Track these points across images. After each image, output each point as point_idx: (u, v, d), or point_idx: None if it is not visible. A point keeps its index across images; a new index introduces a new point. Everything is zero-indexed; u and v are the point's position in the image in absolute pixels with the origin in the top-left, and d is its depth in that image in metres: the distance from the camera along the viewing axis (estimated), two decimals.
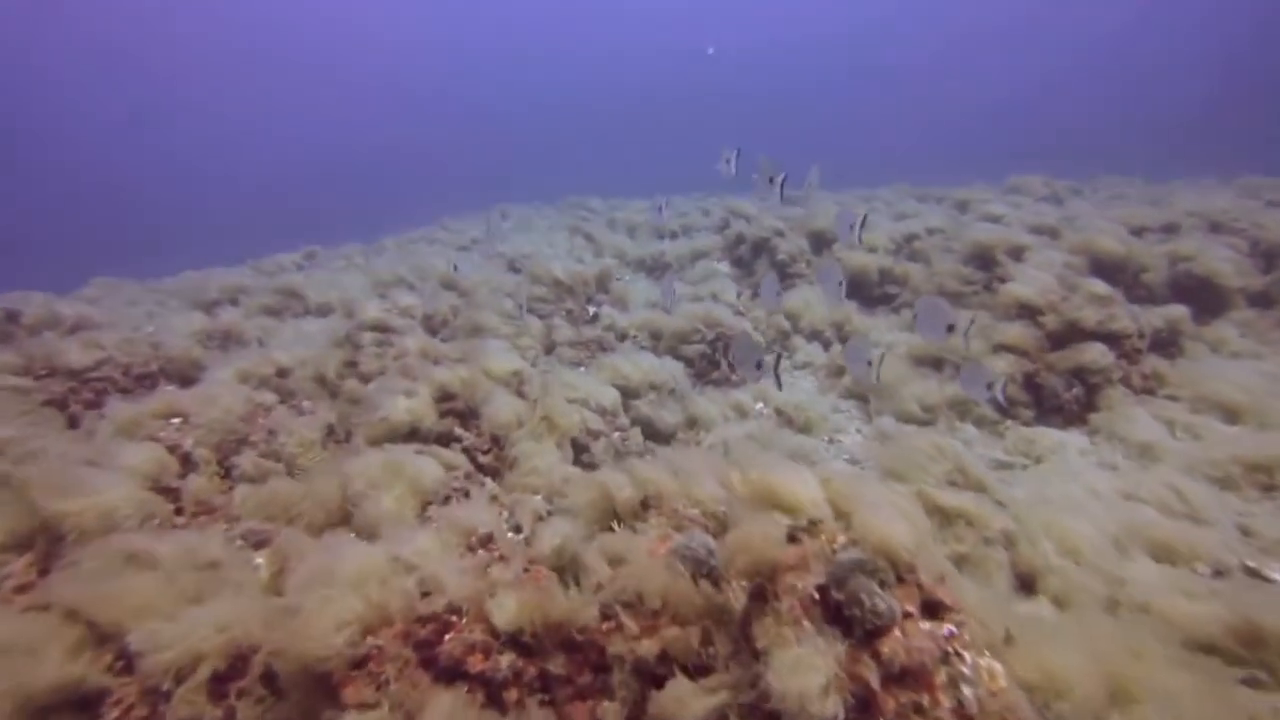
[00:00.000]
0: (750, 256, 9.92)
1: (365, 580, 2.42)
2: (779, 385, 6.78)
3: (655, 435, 6.24)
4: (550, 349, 7.24)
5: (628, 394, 6.28)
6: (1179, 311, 6.82)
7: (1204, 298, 7.64)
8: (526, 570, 2.77)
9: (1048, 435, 5.33)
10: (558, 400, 4.76)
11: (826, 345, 8.39)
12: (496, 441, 4.47)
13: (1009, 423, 6.00)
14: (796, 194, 16.19)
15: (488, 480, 4.09)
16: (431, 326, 7.17)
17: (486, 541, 2.86)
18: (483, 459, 4.38)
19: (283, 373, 5.64)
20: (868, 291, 9.11)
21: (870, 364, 5.21)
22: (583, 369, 7.03)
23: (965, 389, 4.86)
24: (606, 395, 5.87)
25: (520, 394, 4.89)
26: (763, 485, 2.64)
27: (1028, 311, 6.43)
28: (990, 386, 5.18)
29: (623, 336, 7.52)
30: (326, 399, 5.56)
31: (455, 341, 7.00)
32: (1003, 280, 8.16)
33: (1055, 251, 7.93)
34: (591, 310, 7.73)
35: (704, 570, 2.57)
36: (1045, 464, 5.02)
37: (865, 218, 5.77)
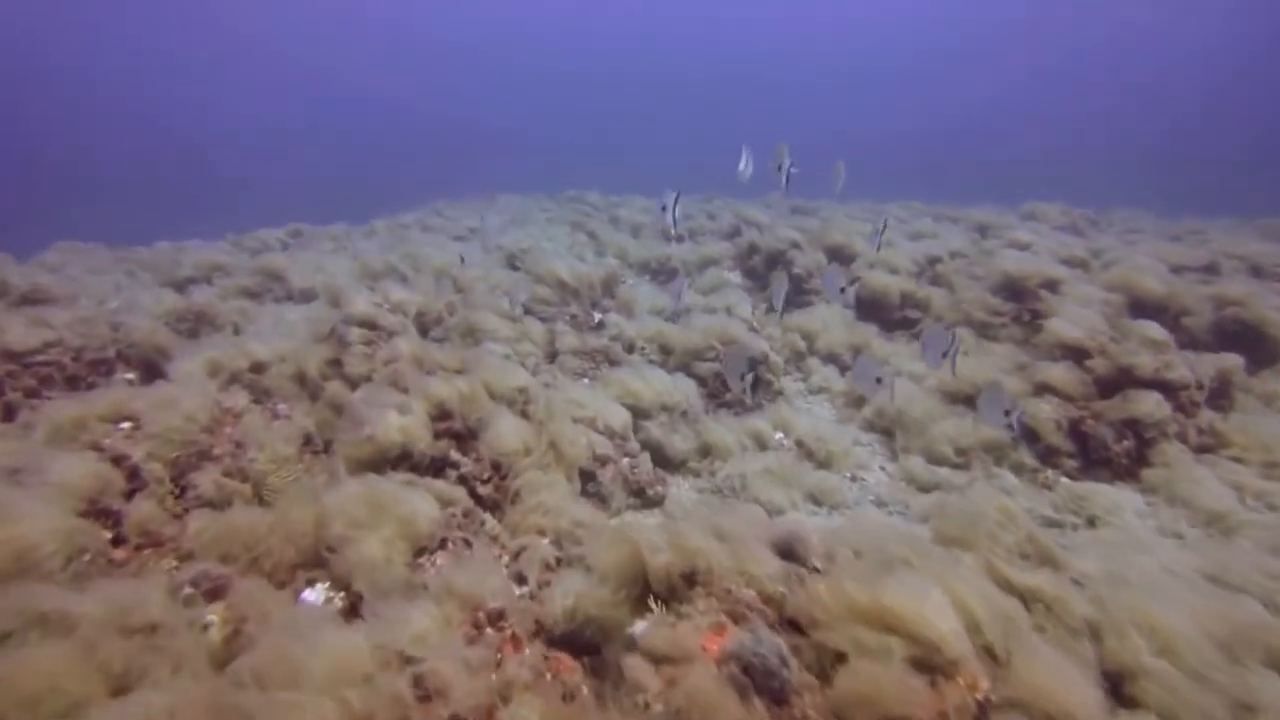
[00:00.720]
0: (764, 268, 9.41)
1: (344, 679, 1.87)
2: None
3: (665, 462, 5.72)
4: (553, 356, 6.68)
5: (637, 414, 5.76)
6: (1233, 361, 6.40)
7: (1251, 346, 7.22)
8: (546, 659, 2.24)
9: (1101, 493, 4.87)
10: (565, 425, 4.22)
11: (844, 370, 7.90)
12: (497, 469, 3.92)
13: (1049, 471, 5.55)
14: (812, 204, 15.74)
15: (488, 517, 3.54)
16: (424, 324, 6.60)
17: (497, 619, 2.31)
18: (481, 489, 3.83)
19: (258, 368, 5.05)
20: (888, 315, 8.63)
21: (879, 381, 4.80)
22: (587, 380, 6.50)
23: (983, 415, 4.45)
24: (617, 416, 5.35)
25: (525, 414, 4.33)
26: (875, 606, 2.09)
27: (1073, 353, 5.97)
28: (1008, 413, 4.77)
29: (630, 348, 6.98)
30: (306, 401, 4.98)
31: (451, 346, 6.45)
32: (1035, 314, 7.73)
33: (1092, 287, 7.49)
34: (597, 316, 7.18)
35: (774, 684, 2.05)
36: (1106, 528, 4.56)
37: (886, 223, 5.31)
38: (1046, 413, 5.57)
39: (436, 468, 3.83)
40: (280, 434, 4.09)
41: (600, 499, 4.98)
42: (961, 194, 18.47)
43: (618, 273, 7.87)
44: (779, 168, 4.87)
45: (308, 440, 4.50)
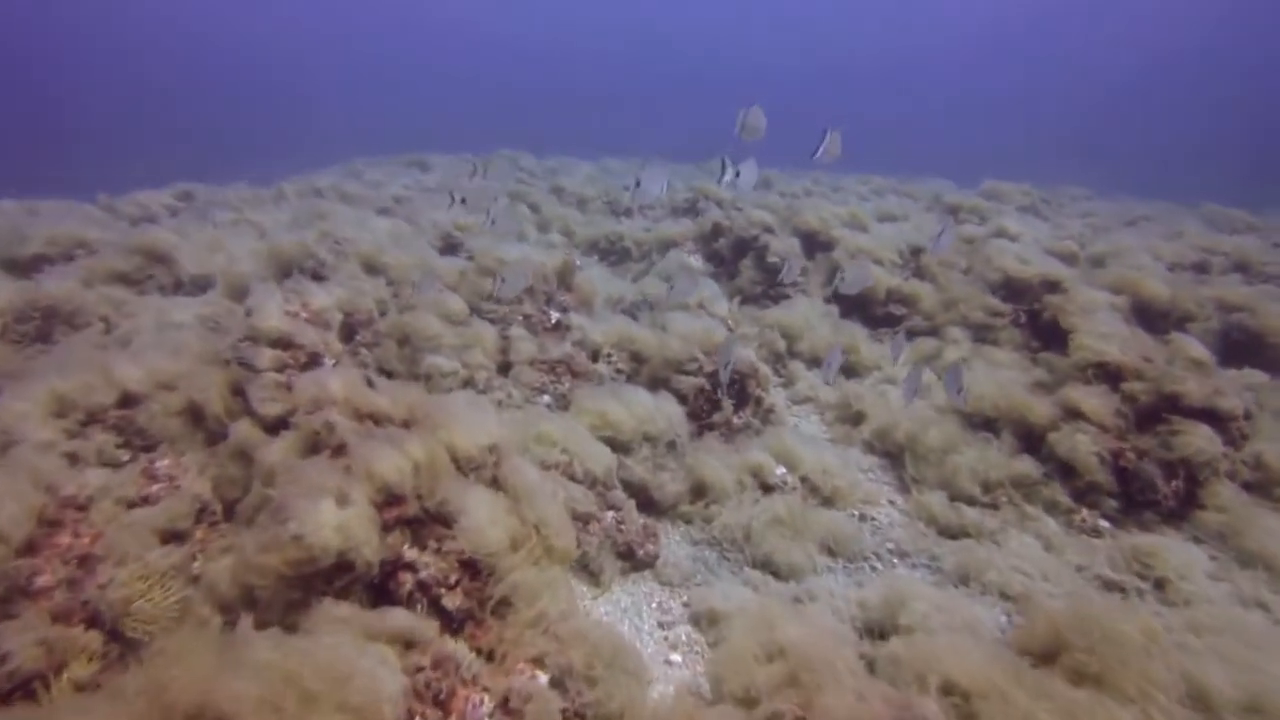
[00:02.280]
0: (732, 254, 8.52)
1: None
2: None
3: (651, 506, 4.82)
4: (506, 368, 5.63)
5: (616, 447, 4.82)
6: (1258, 378, 5.94)
7: (1257, 355, 6.84)
8: None
9: (1165, 549, 4.24)
10: (552, 509, 3.24)
11: (829, 379, 7.13)
12: (468, 568, 2.91)
13: (1085, 512, 4.92)
14: (769, 173, 14.93)
15: (464, 654, 2.54)
16: (351, 325, 5.42)
17: None
18: (448, 600, 2.82)
19: (130, 400, 3.85)
20: (871, 310, 7.91)
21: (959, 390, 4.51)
22: (547, 398, 5.49)
23: (949, 392, 4.45)
24: (597, 459, 4.41)
25: (497, 482, 3.32)
26: None
27: (1106, 373, 5.34)
28: (960, 391, 4.49)
29: (595, 355, 5.99)
30: (200, 446, 3.83)
31: (385, 351, 5.31)
32: (1032, 315, 7.15)
33: (1096, 290, 6.93)
34: (554, 316, 6.14)
35: None
36: (1184, 599, 3.93)
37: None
38: (1085, 445, 4.91)
39: (386, 578, 2.79)
40: (158, 519, 2.97)
41: (586, 571, 4.04)
42: (902, 169, 18.11)
43: (574, 261, 6.77)
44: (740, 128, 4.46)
45: (202, 512, 3.39)
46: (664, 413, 5.16)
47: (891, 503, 5.32)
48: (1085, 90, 66.57)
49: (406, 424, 3.43)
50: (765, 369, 5.93)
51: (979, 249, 8.17)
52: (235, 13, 68.20)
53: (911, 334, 7.65)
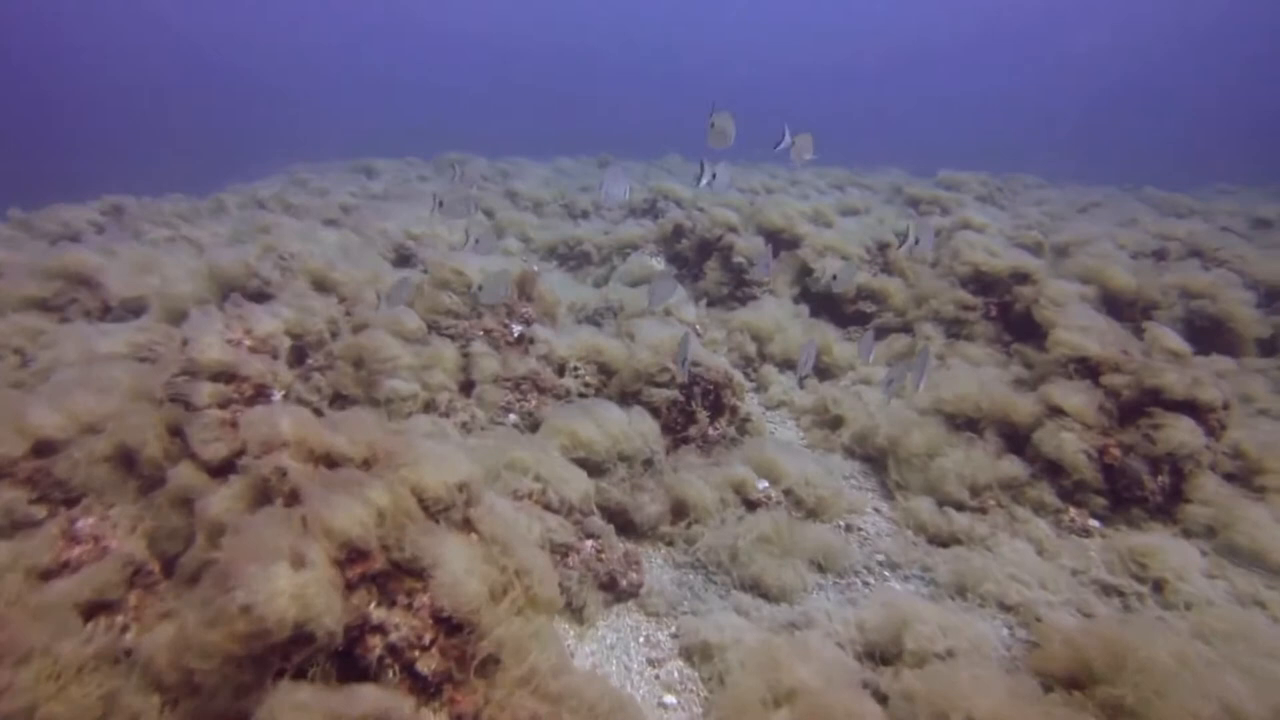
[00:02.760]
0: (696, 256, 8.30)
1: None
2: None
3: (630, 529, 4.58)
4: (468, 387, 5.33)
5: (590, 468, 4.56)
6: (1225, 364, 5.94)
7: (1217, 341, 6.89)
8: None
9: (1159, 548, 4.15)
10: (533, 554, 2.99)
11: (803, 380, 6.98)
12: (444, 624, 2.63)
13: (1072, 511, 4.83)
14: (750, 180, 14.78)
15: None
16: (301, 347, 5.07)
17: None
18: (424, 664, 2.54)
19: (46, 448, 3.49)
20: (842, 308, 7.78)
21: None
22: (513, 417, 5.21)
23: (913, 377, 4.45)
24: (573, 484, 4.15)
25: (469, 524, 3.04)
26: None
27: (1087, 368, 5.26)
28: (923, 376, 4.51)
29: (561, 369, 5.72)
30: (131, 497, 3.49)
31: (340, 375, 4.97)
32: (1002, 307, 7.10)
33: (1066, 282, 6.91)
34: (517, 329, 5.84)
35: None
36: (1185, 601, 3.83)
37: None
38: (1071, 443, 4.82)
39: (352, 638, 2.50)
40: (80, 590, 2.64)
41: (568, 608, 3.79)
42: (856, 160, 18.22)
43: (534, 270, 6.48)
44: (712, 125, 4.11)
45: (135, 575, 3.06)
46: (638, 429, 4.92)
47: (877, 510, 5.17)
48: (1030, 88, 68.51)
49: (367, 463, 3.13)
50: (739, 376, 5.72)
51: (945, 242, 8.11)
52: (164, 13, 65.68)
53: (883, 331, 7.55)
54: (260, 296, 5.73)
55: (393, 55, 74.42)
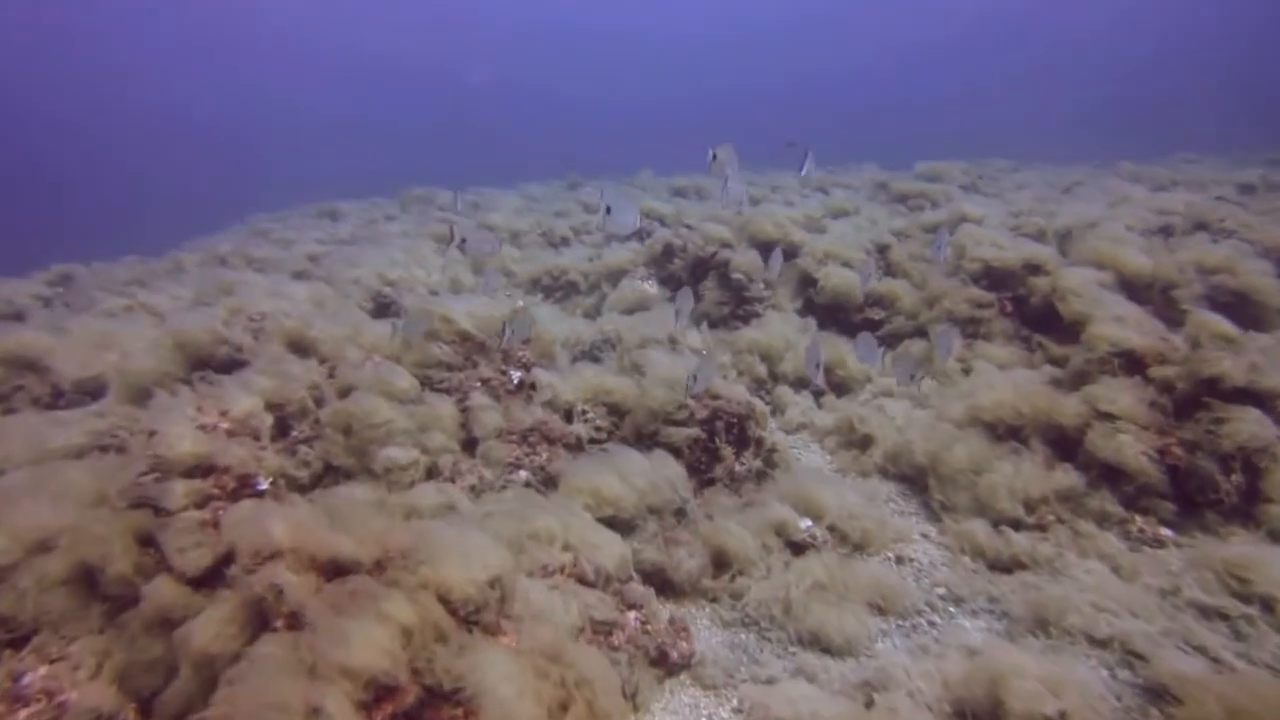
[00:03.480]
0: (690, 276, 7.92)
1: None
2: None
3: (669, 588, 4.17)
4: (471, 445, 4.89)
5: (618, 526, 4.15)
6: (1265, 341, 5.65)
7: (1241, 316, 6.61)
8: None
9: (1258, 559, 3.79)
10: (591, 659, 2.58)
11: (818, 396, 6.62)
12: None
13: (1138, 519, 4.48)
14: (691, 181, 14.51)
15: None
16: (285, 421, 4.61)
17: None
18: None
19: None
20: (848, 317, 7.45)
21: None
22: (523, 474, 4.78)
23: (897, 376, 4.63)
24: (607, 550, 3.75)
25: (505, 622, 2.62)
26: None
27: (1130, 362, 4.95)
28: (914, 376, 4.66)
29: (568, 414, 5.30)
30: (94, 625, 3.04)
31: (326, 446, 4.51)
32: (1017, 301, 6.80)
33: (1082, 269, 6.62)
34: (516, 376, 5.42)
35: None
36: None
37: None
38: (1130, 445, 4.48)
39: None
40: None
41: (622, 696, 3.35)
42: (822, 160, 18.00)
43: (526, 309, 6.05)
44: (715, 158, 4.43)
45: None
46: (664, 476, 4.52)
47: (925, 536, 4.80)
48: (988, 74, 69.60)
49: (379, 565, 2.69)
50: (760, 404, 5.34)
51: (944, 237, 7.83)
52: (109, 59, 64.43)
53: (895, 336, 7.22)
54: (232, 365, 5.25)
55: (347, 97, 73.85)
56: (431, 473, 4.63)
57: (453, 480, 4.64)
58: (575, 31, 77.15)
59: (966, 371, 6.48)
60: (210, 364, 5.15)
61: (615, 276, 8.43)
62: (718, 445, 5.06)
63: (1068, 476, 4.58)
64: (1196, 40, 57.78)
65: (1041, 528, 4.47)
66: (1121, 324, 5.13)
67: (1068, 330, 6.41)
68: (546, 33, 76.01)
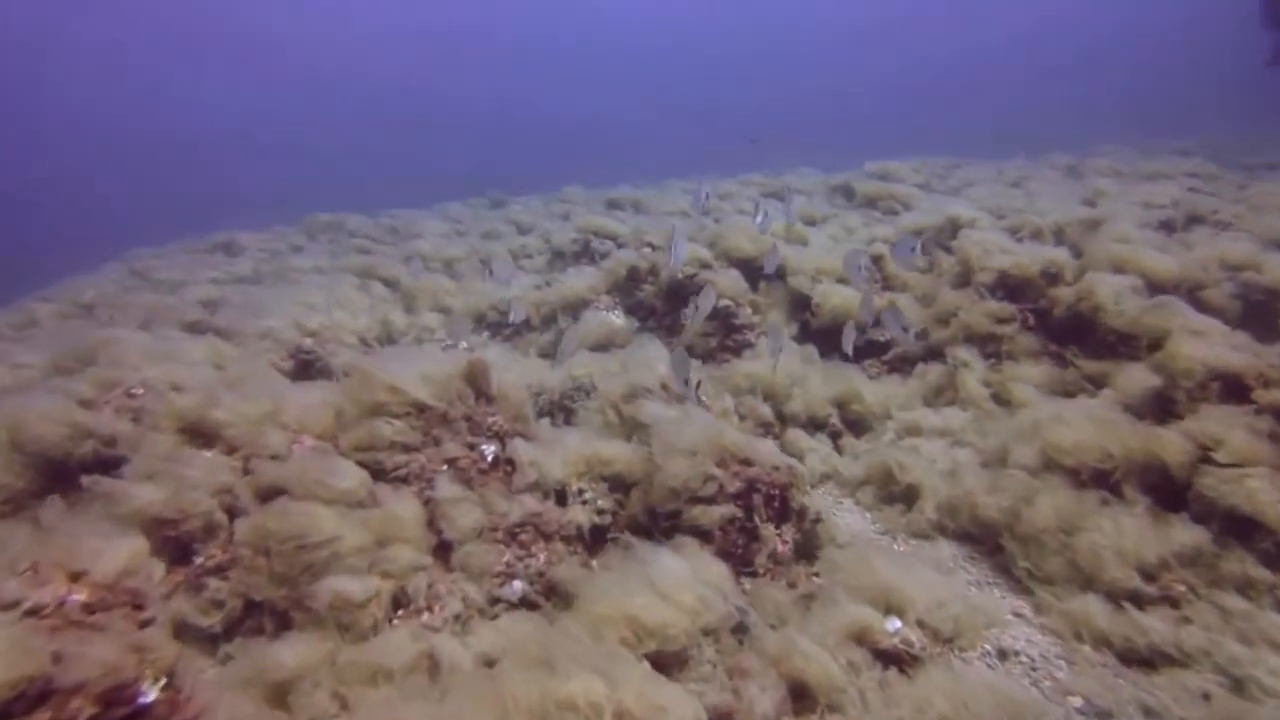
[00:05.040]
0: (666, 304, 6.91)
1: None
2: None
3: None
4: (445, 551, 3.74)
5: (666, 665, 3.09)
6: None
7: (1271, 315, 6.13)
8: None
9: None
10: None
11: (836, 437, 5.74)
12: None
13: None
14: (622, 193, 13.60)
15: None
16: (185, 544, 3.38)
17: None
18: None
19: None
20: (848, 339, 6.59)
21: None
22: (517, 584, 3.68)
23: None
24: (673, 712, 2.65)
25: None
26: None
27: (1228, 385, 4.23)
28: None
29: (560, 495, 4.20)
30: None
31: (263, 598, 3.29)
32: (1038, 314, 6.10)
33: (1108, 274, 5.98)
34: (489, 450, 4.28)
35: None
36: None
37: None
38: (1262, 490, 3.73)
39: None
40: None
41: None
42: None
43: (485, 361, 4.88)
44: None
45: None
46: (709, 581, 3.48)
47: (1019, 616, 3.94)
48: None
49: None
50: (800, 466, 4.37)
51: (934, 244, 7.14)
52: None
53: (905, 360, 6.41)
54: (103, 465, 3.91)
55: (244, 114, 69.74)
56: (399, 603, 3.46)
57: (430, 609, 3.48)
58: (483, 36, 75.41)
59: (998, 398, 5.73)
60: (68, 469, 3.81)
61: (574, 308, 7.34)
62: (756, 524, 4.06)
63: (1187, 533, 3.79)
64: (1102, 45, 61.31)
65: (1171, 601, 3.65)
66: (1205, 339, 4.41)
67: (1101, 343, 5.76)
68: (455, 37, 73.95)
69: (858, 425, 5.83)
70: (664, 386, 5.35)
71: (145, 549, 2.81)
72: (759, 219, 4.60)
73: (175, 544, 3.45)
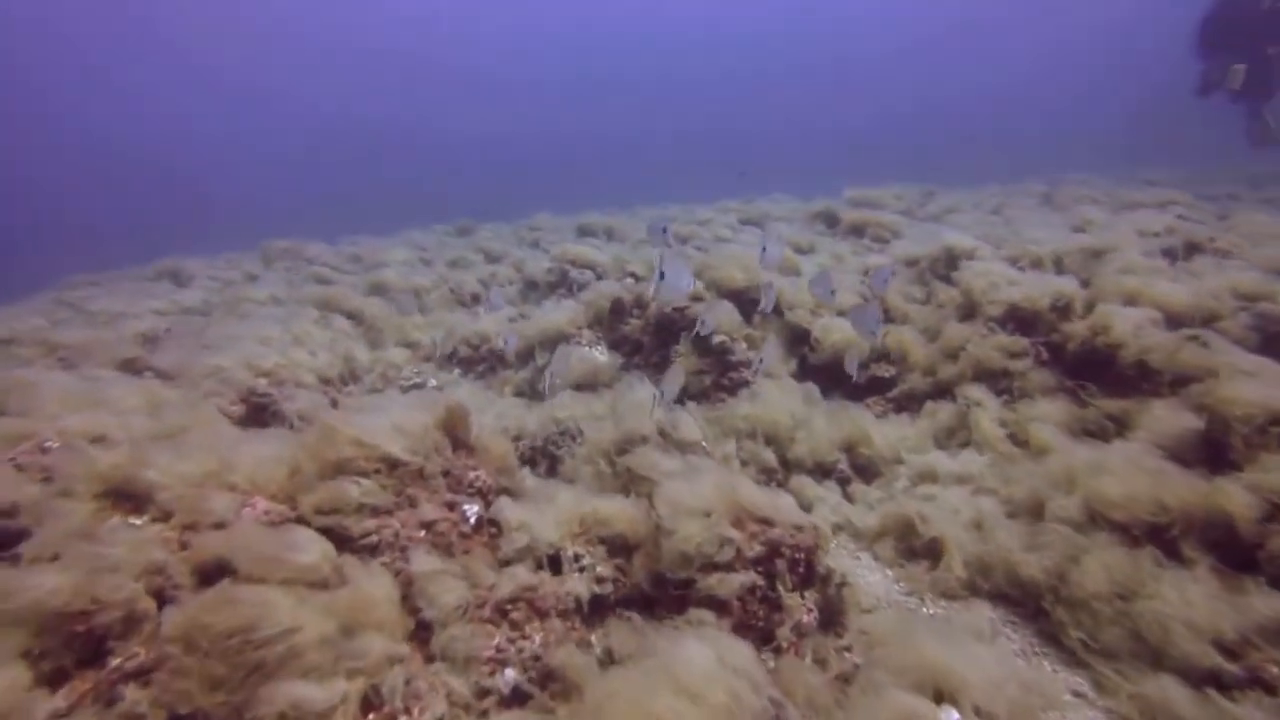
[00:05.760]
0: (654, 340, 6.42)
1: None
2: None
3: None
4: (423, 634, 3.17)
5: None
6: None
7: None
8: None
9: None
10: None
11: (844, 484, 5.29)
12: None
13: None
14: (590, 219, 13.22)
15: None
16: (98, 640, 2.78)
17: None
18: None
19: None
20: (851, 377, 6.18)
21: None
22: (510, 673, 3.13)
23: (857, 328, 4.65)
24: None
25: None
26: None
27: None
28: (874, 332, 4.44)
29: (554, 561, 3.67)
30: None
31: (195, 707, 2.69)
32: (1051, 348, 5.78)
33: (1124, 307, 5.68)
34: (471, 510, 3.74)
35: None
36: None
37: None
38: None
39: None
40: None
41: None
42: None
43: (465, 409, 4.32)
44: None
45: None
46: (734, 664, 2.97)
47: (1079, 695, 3.49)
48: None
49: None
50: (824, 527, 3.90)
51: (931, 274, 6.83)
52: None
53: (910, 398, 6.03)
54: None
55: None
56: (369, 704, 2.87)
57: (407, 710, 2.90)
58: (429, 63, 75.22)
59: (1015, 439, 5.36)
60: None
61: (552, 342, 6.83)
62: (780, 593, 3.57)
63: (1268, 601, 3.39)
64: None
65: (1265, 686, 3.23)
66: (1259, 379, 4.08)
67: (1119, 379, 5.43)
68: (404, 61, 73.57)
69: (867, 470, 5.39)
70: (661, 433, 4.86)
71: (25, 681, 2.22)
72: (766, 249, 4.21)
73: (85, 641, 2.83)
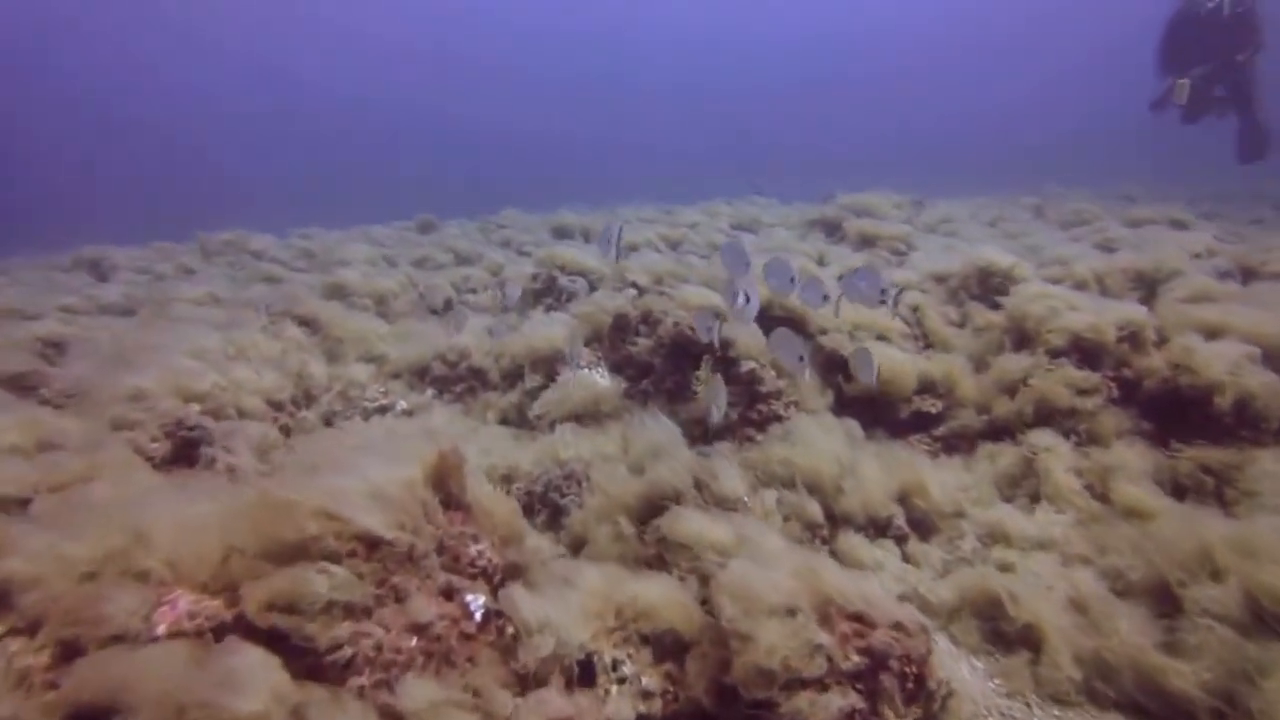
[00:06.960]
0: (667, 364, 5.52)
1: None
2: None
3: None
4: None
5: None
6: None
7: None
8: None
9: None
10: None
11: (900, 541, 4.50)
12: None
13: None
14: (568, 219, 12.36)
15: None
16: None
17: None
18: None
19: None
20: (895, 412, 5.42)
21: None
22: None
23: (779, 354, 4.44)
24: None
25: None
26: None
27: None
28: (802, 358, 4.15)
29: (586, 669, 2.79)
30: None
31: None
32: (1121, 383, 5.11)
33: (1193, 339, 5.04)
34: (475, 602, 2.83)
35: None
36: None
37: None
38: None
39: None
40: None
41: None
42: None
43: (459, 456, 3.39)
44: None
45: None
46: None
47: None
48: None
49: None
50: (930, 626, 3.08)
51: (965, 293, 6.16)
52: None
53: (960, 437, 5.28)
54: None
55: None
56: None
57: None
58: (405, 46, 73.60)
59: (1092, 490, 4.64)
60: None
61: (544, 363, 5.89)
62: (885, 716, 2.73)
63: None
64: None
65: None
66: None
67: (1210, 423, 4.77)
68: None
69: (923, 524, 4.61)
70: (698, 486, 4.00)
71: None
72: (740, 297, 3.66)
73: None
